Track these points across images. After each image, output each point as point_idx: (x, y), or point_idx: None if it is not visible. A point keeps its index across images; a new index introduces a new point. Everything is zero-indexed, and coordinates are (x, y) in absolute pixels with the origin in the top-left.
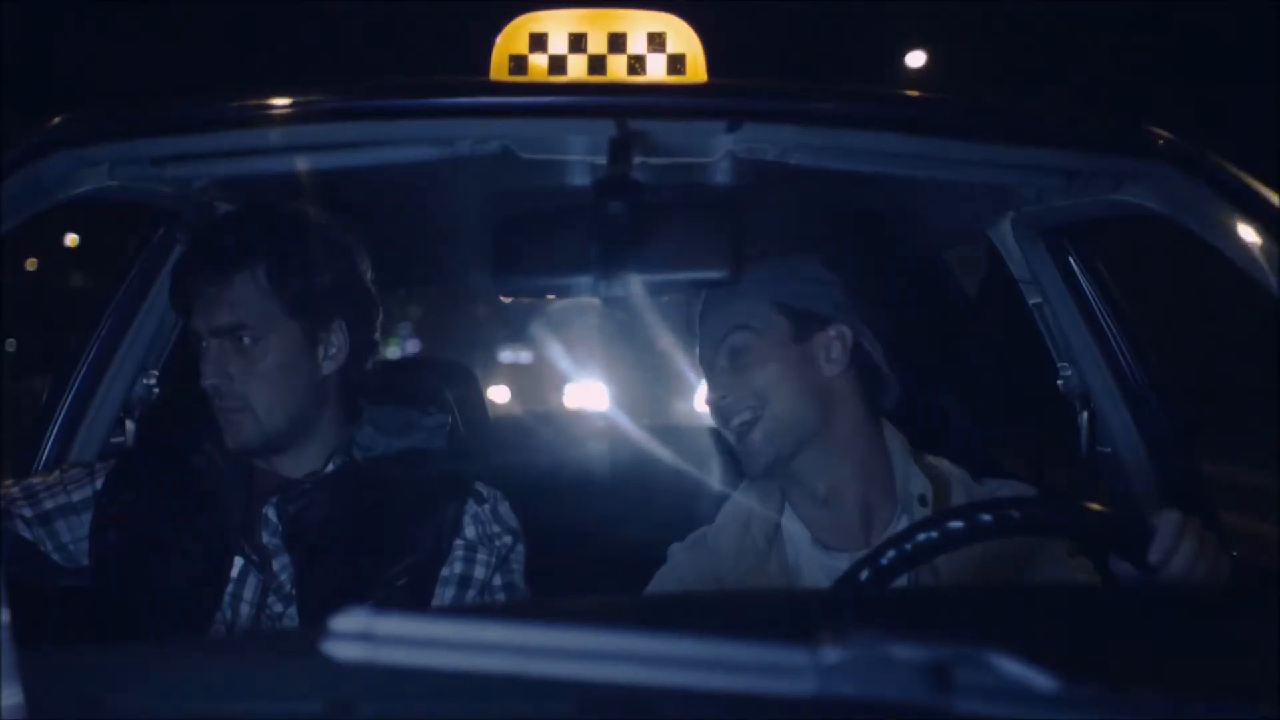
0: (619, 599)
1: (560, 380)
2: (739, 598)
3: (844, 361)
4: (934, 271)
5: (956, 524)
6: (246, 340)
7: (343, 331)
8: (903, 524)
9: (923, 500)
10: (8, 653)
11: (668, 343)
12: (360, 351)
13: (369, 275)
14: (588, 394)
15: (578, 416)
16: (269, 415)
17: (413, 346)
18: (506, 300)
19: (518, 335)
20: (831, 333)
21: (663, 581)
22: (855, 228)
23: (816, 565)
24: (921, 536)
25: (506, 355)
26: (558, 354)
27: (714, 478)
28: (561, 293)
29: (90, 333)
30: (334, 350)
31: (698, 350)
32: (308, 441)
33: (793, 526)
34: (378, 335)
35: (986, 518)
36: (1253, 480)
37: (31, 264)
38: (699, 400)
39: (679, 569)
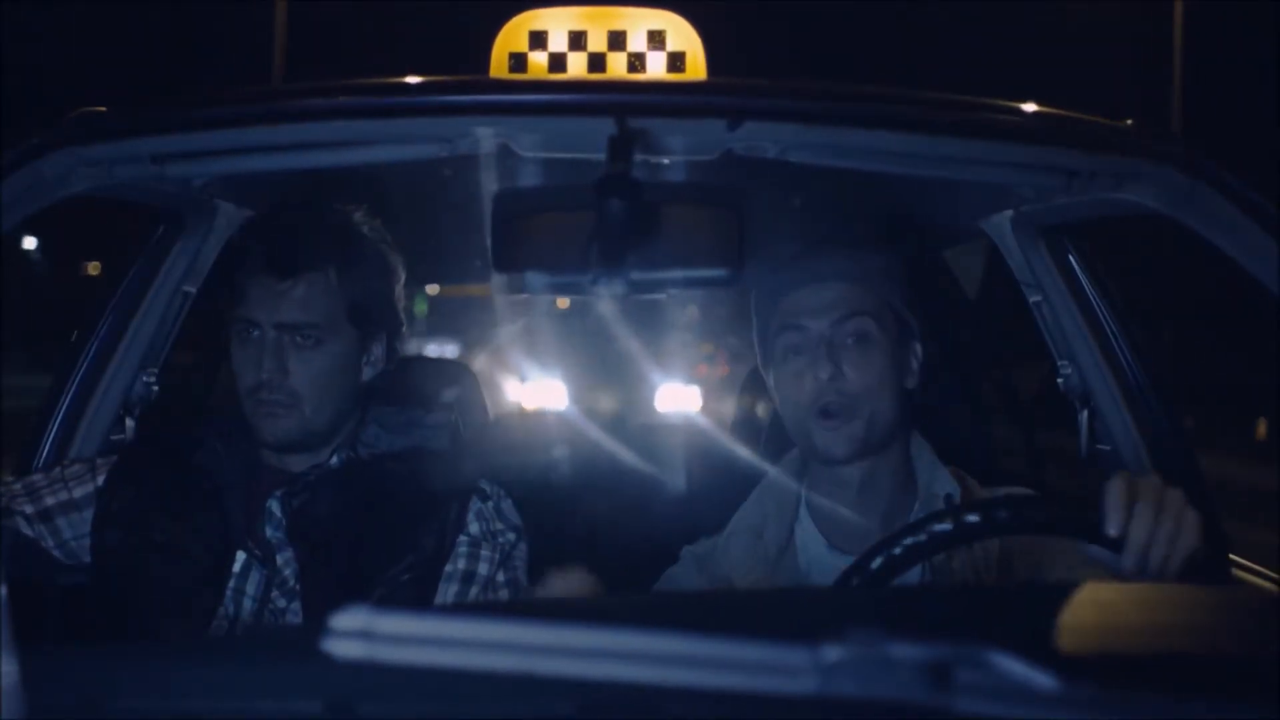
0: (619, 598)
1: (494, 373)
2: (739, 597)
3: (919, 378)
4: (934, 271)
5: (909, 539)
6: (310, 340)
7: (383, 342)
8: None
9: (949, 500)
10: (6, 627)
11: (616, 325)
12: (390, 360)
13: (403, 285)
14: (546, 392)
15: (540, 418)
16: (315, 414)
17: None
18: (432, 292)
19: (444, 327)
20: (917, 347)
21: (670, 582)
22: (855, 227)
23: (829, 569)
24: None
25: (432, 348)
26: (488, 345)
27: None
28: (561, 291)
29: (90, 331)
30: (374, 359)
31: (783, 301)
32: (331, 441)
33: (807, 532)
34: (398, 343)
35: (945, 526)
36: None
37: None
38: (660, 400)
39: (690, 572)
